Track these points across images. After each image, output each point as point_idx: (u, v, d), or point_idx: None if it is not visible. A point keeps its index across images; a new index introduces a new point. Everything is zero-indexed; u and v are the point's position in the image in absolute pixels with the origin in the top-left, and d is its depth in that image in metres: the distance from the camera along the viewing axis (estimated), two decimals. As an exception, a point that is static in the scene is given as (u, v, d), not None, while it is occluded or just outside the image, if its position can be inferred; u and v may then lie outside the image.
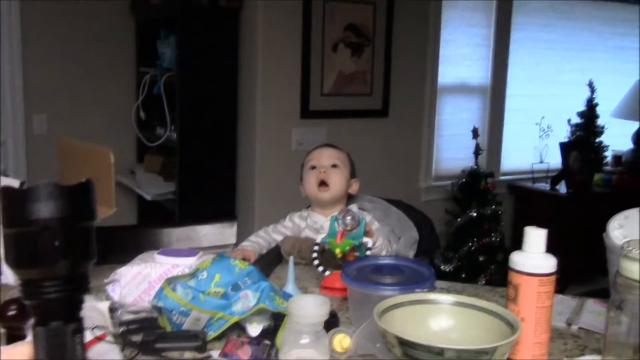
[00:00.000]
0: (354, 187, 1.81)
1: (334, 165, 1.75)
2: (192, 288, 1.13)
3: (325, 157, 1.75)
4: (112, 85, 3.68)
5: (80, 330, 0.51)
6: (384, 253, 1.62)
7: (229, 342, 1.09)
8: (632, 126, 4.37)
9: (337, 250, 1.44)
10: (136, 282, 1.25)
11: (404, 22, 3.54)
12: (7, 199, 0.49)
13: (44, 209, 0.49)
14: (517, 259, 1.05)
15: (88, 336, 1.10)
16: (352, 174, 1.81)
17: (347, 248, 1.44)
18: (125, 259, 1.35)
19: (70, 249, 0.50)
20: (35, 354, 0.50)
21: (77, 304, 0.52)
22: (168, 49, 3.35)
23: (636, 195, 3.87)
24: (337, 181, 1.74)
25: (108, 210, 1.32)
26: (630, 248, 0.94)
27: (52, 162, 1.52)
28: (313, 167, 1.75)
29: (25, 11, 3.35)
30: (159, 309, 1.13)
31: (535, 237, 1.05)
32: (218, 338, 1.12)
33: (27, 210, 0.49)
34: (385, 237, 1.67)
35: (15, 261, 0.50)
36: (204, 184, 3.26)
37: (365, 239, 1.50)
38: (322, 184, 1.72)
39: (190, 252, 1.37)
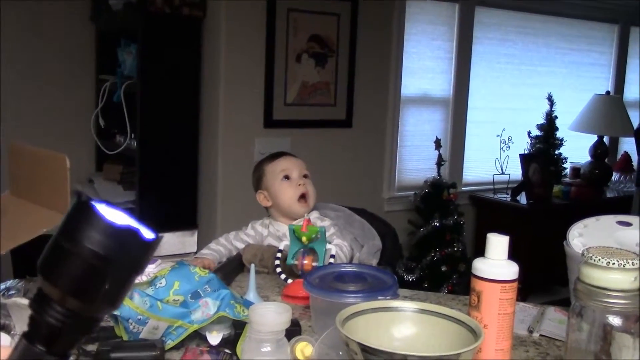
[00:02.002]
0: None
1: (305, 176, 1.76)
2: (150, 296, 1.10)
3: (298, 168, 1.75)
4: (70, 93, 3.60)
5: None
6: (342, 252, 1.61)
7: (187, 352, 1.06)
8: (589, 139, 4.46)
9: (304, 239, 1.43)
10: (92, 291, 1.22)
11: (367, 34, 3.56)
12: (80, 211, 0.47)
13: (117, 250, 0.47)
14: (480, 266, 1.05)
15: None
16: None
17: (313, 236, 1.43)
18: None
19: (110, 296, 0.48)
20: (10, 357, 0.48)
21: (71, 343, 0.49)
22: (129, 57, 3.29)
23: (593, 206, 3.95)
24: (313, 194, 1.75)
25: (62, 217, 1.27)
26: (590, 255, 0.95)
27: (5, 171, 1.47)
28: (287, 177, 1.73)
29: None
30: (115, 318, 1.10)
31: (498, 244, 1.05)
32: (177, 347, 1.09)
33: (106, 242, 0.46)
34: (344, 240, 1.66)
35: (48, 269, 0.47)
36: (164, 192, 3.21)
37: (328, 246, 1.49)
38: (303, 197, 1.71)
39: (149, 260, 1.33)
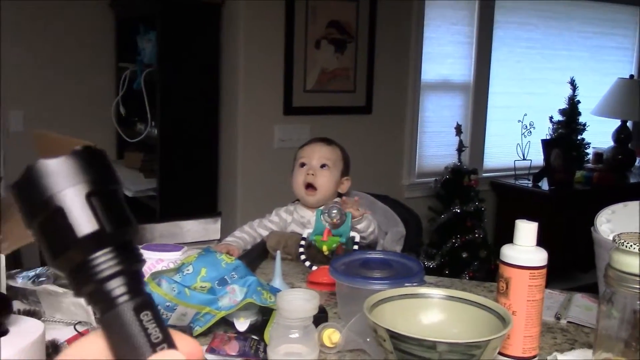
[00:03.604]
0: (344, 187, 1.76)
1: (324, 166, 1.71)
2: (178, 283, 1.11)
3: (316, 157, 1.71)
4: (91, 81, 3.62)
5: (148, 305, 0.42)
6: (374, 235, 1.60)
7: (216, 338, 1.06)
8: (612, 124, 4.41)
9: (324, 248, 1.43)
10: (119, 278, 1.22)
11: (387, 19, 3.53)
12: (16, 192, 0.43)
13: (57, 184, 0.42)
14: (509, 252, 1.04)
15: (71, 332, 1.07)
16: (345, 172, 1.76)
17: (334, 245, 1.43)
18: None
19: (106, 217, 0.43)
20: (109, 344, 0.44)
21: (135, 276, 0.44)
22: (148, 45, 3.30)
23: (616, 192, 3.91)
24: (325, 184, 1.70)
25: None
26: (622, 241, 0.94)
27: (30, 159, 1.49)
28: (302, 165, 1.72)
29: (2, 6, 3.29)
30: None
31: (527, 230, 1.04)
32: (205, 333, 1.10)
33: (39, 190, 0.42)
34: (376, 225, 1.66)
35: (51, 255, 0.43)
36: (185, 180, 3.23)
37: (352, 234, 1.49)
38: (309, 186, 1.69)
39: (175, 247, 1.34)
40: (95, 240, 0.42)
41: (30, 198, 0.42)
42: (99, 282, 0.42)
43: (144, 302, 0.42)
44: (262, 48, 3.21)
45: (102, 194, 0.43)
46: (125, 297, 0.42)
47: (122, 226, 0.44)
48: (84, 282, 0.43)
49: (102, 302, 0.42)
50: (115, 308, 0.42)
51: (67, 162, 0.43)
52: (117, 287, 0.42)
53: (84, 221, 0.42)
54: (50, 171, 0.42)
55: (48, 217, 0.42)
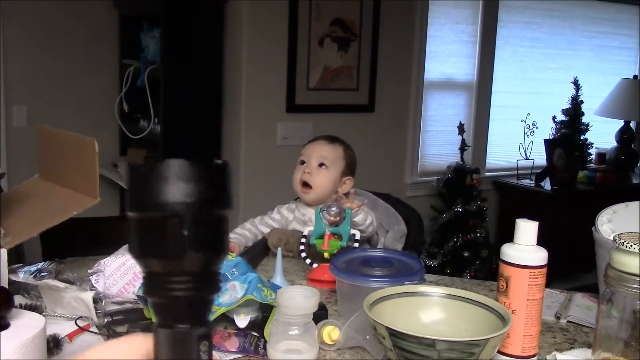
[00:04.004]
0: (346, 187, 1.73)
1: (322, 165, 1.70)
2: (179, 279, 1.11)
3: (315, 155, 1.70)
4: (94, 78, 3.63)
5: (208, 336, 0.43)
6: (372, 227, 1.60)
7: (216, 334, 1.07)
8: (615, 124, 4.40)
9: (326, 254, 1.44)
10: (120, 273, 1.23)
11: (390, 18, 3.53)
12: (133, 178, 0.42)
13: (174, 192, 0.41)
14: (509, 251, 1.04)
15: (72, 327, 1.08)
16: (347, 172, 1.74)
17: (335, 251, 1.43)
18: (109, 250, 1.32)
19: (202, 241, 0.43)
20: (156, 355, 0.43)
21: (206, 306, 0.44)
22: (152, 42, 3.30)
23: (619, 193, 3.90)
24: (321, 184, 1.68)
25: (92, 201, 1.29)
26: (622, 241, 0.94)
27: (32, 155, 1.49)
28: (302, 162, 1.72)
29: (6, 2, 3.29)
30: (144, 300, 1.11)
31: (527, 229, 1.04)
32: (205, 330, 1.10)
33: (155, 191, 0.41)
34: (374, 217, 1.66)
35: (138, 250, 0.43)
36: (188, 177, 3.23)
37: (353, 231, 1.49)
38: (305, 184, 1.69)
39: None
40: (185, 261, 0.42)
41: (149, 191, 0.42)
42: (171, 299, 0.42)
43: (206, 333, 0.43)
44: (265, 45, 3.21)
45: (212, 217, 0.43)
46: (191, 324, 0.43)
47: (215, 254, 0.44)
48: (157, 291, 0.43)
49: (167, 318, 0.43)
50: (179, 329, 0.42)
51: (198, 173, 0.43)
52: (187, 312, 0.43)
53: (187, 240, 0.42)
54: (182, 176, 0.42)
55: (158, 218, 0.42)
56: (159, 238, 0.42)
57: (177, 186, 0.42)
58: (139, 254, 0.43)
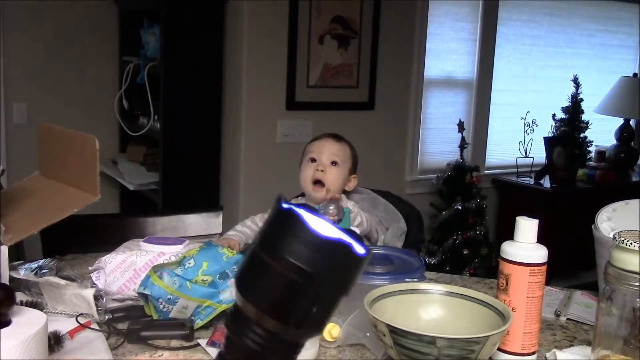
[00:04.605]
0: (351, 184, 1.74)
1: (334, 163, 1.68)
2: (179, 276, 1.11)
3: (326, 153, 1.68)
4: (94, 74, 3.63)
5: None
6: (362, 228, 1.60)
7: (216, 331, 1.07)
8: (615, 122, 4.40)
9: None
10: (121, 270, 1.23)
11: (391, 15, 3.52)
12: (290, 222, 0.40)
13: (324, 265, 0.40)
14: (509, 249, 1.05)
15: (73, 324, 1.08)
16: (352, 170, 1.74)
17: None
18: (109, 247, 1.33)
19: (319, 321, 0.42)
20: None
21: None
22: (152, 38, 3.30)
23: (619, 190, 3.91)
24: (334, 181, 1.67)
25: (92, 198, 1.29)
26: (622, 239, 0.94)
27: (32, 152, 1.49)
28: (312, 160, 1.70)
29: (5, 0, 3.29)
30: (145, 297, 1.11)
31: (527, 227, 1.04)
32: (206, 327, 1.10)
33: (312, 256, 0.40)
34: (370, 223, 1.66)
35: (249, 290, 0.41)
36: (187, 174, 3.23)
37: (352, 228, 1.49)
38: (317, 182, 1.68)
39: (177, 240, 1.35)
40: (289, 330, 0.42)
41: (304, 249, 0.40)
42: (245, 345, 0.42)
43: None
44: (265, 43, 3.21)
45: (336, 301, 0.43)
46: None
47: (315, 333, 0.43)
48: (237, 332, 0.42)
49: (234, 353, 0.43)
50: None
51: (353, 263, 0.41)
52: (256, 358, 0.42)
53: (310, 316, 0.41)
54: (316, 244, 0.40)
55: (295, 282, 0.40)
56: (284, 299, 0.40)
57: (322, 255, 0.40)
58: (248, 294, 0.41)
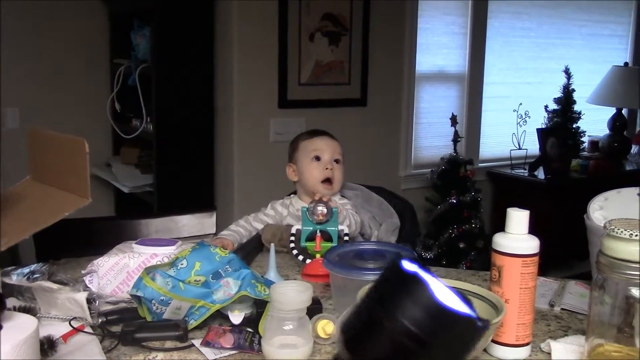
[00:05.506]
0: None
1: (337, 160, 1.75)
2: (172, 277, 1.11)
3: (330, 151, 1.74)
4: (86, 78, 3.62)
5: None
6: (352, 229, 1.61)
7: (210, 331, 1.07)
8: (608, 112, 4.41)
9: (318, 256, 1.44)
10: (114, 273, 1.23)
11: (381, 11, 3.52)
12: (414, 290, 0.39)
13: (438, 334, 0.39)
14: (500, 241, 1.05)
15: (67, 328, 1.08)
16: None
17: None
18: (103, 250, 1.32)
19: None
20: None
21: None
22: (142, 40, 3.29)
23: (612, 180, 3.92)
24: (340, 179, 1.74)
25: (84, 201, 1.29)
26: (613, 227, 0.94)
27: (26, 157, 1.49)
28: (316, 158, 1.73)
29: (-4, 3, 3.28)
30: (138, 299, 1.11)
31: (518, 218, 1.04)
32: (200, 327, 1.10)
33: (427, 322, 0.38)
34: (360, 222, 1.67)
35: (357, 346, 0.40)
36: (181, 175, 3.23)
37: (341, 227, 1.50)
38: (327, 181, 1.71)
39: (169, 241, 1.34)
40: None
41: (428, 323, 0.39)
42: None
43: None
44: (256, 42, 3.21)
45: None
46: None
47: None
48: None
49: None
50: None
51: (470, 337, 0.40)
52: None
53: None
54: (436, 312, 0.39)
55: (393, 334, 0.39)
56: (386, 353, 0.40)
57: (438, 323, 0.39)
58: (355, 350, 0.40)
